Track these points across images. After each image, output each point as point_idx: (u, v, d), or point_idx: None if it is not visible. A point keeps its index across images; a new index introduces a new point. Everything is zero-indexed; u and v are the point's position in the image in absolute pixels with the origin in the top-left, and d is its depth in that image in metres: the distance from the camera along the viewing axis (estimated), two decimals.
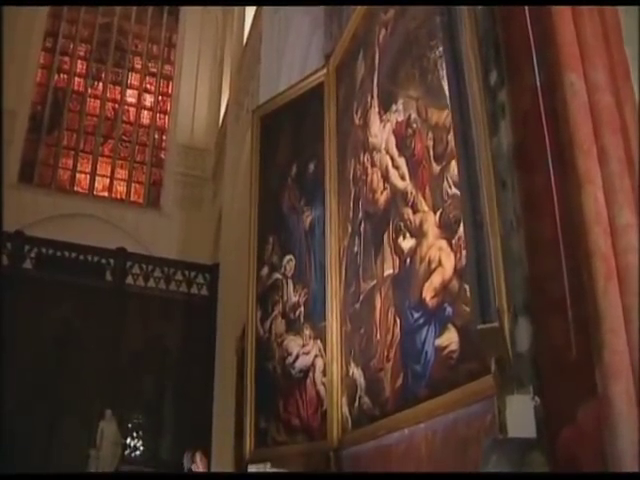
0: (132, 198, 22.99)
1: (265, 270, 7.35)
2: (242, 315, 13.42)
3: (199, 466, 6.53)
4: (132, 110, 24.46)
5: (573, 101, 3.51)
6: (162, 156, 23.76)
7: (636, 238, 3.22)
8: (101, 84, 24.40)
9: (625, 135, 3.46)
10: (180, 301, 17.62)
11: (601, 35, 3.65)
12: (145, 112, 24.52)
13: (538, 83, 3.96)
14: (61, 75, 23.99)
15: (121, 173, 23.38)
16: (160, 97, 24.81)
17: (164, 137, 24.10)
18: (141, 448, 16.10)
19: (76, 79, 24.13)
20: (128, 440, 15.72)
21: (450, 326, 4.19)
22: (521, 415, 3.51)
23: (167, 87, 25.01)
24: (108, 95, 24.32)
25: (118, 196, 22.94)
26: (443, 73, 4.76)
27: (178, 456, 15.84)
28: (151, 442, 16.38)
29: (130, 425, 15.91)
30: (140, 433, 16.21)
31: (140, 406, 16.51)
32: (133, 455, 15.82)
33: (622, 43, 3.68)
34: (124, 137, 23.93)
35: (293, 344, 6.70)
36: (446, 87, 4.68)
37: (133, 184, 23.24)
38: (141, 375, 16.52)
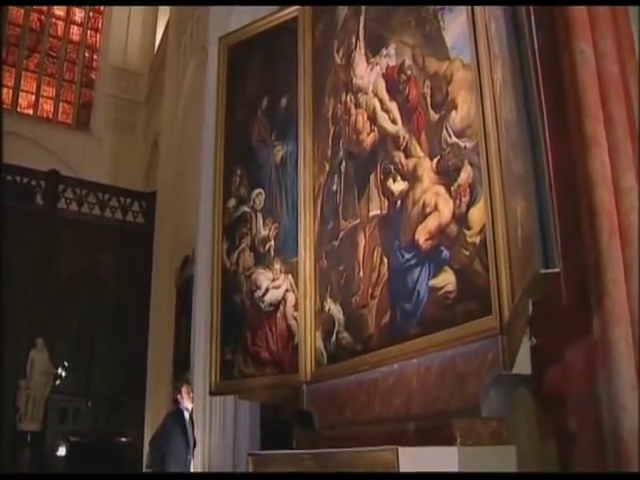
0: (60, 118, 22.48)
1: (232, 202, 7.44)
2: (182, 245, 13.64)
3: (184, 397, 6.81)
4: (60, 24, 23.66)
5: (582, 68, 3.85)
6: (93, 76, 23.24)
7: (637, 200, 3.63)
8: None
9: (629, 105, 3.84)
10: (115, 228, 17.52)
11: (609, 9, 3.99)
12: (75, 27, 23.76)
13: (536, 45, 4.25)
14: None
15: (48, 91, 22.76)
16: (91, 13, 24.06)
17: (95, 56, 23.52)
18: (73, 378, 16.17)
19: None
20: (59, 370, 15.73)
21: (447, 268, 4.56)
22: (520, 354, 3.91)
23: None
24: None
25: (44, 115, 22.39)
26: (444, 25, 5.03)
27: (111, 387, 16.12)
28: (83, 372, 16.47)
29: (62, 355, 15.89)
30: (72, 363, 16.25)
31: (73, 336, 16.51)
32: (64, 385, 15.86)
33: (629, 19, 4.02)
34: (51, 52, 23.20)
35: (262, 278, 6.91)
36: (447, 39, 4.97)
37: (61, 103, 22.70)
38: (74, 304, 16.50)
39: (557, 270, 2.67)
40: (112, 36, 23.11)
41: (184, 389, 6.91)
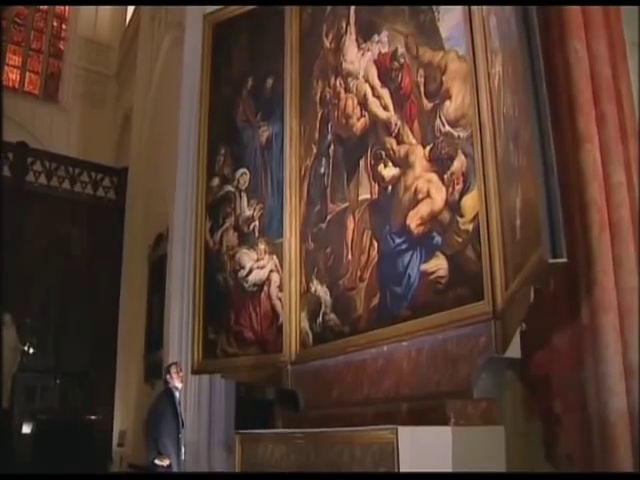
0: (27, 88, 22.16)
1: (216, 181, 7.55)
2: (155, 222, 13.65)
3: (173, 377, 6.92)
4: None
5: (576, 67, 4.07)
6: (61, 47, 22.91)
7: (627, 196, 3.87)
8: None
9: (620, 105, 4.07)
10: (85, 203, 17.33)
11: (601, 12, 4.20)
12: None
13: None
14: None
15: (13, 59, 22.40)
16: None
17: (64, 26, 23.15)
18: (41, 355, 16.09)
19: None
20: (27, 347, 15.62)
21: (439, 254, 4.76)
22: None
23: None
24: None
25: (10, 84, 22.04)
26: (439, 15, 5.19)
27: (80, 365, 16.10)
28: (52, 349, 16.38)
29: (30, 331, 15.80)
30: (41, 340, 16.15)
31: (41, 312, 16.40)
32: (32, 362, 15.79)
33: (621, 23, 4.23)
34: (17, 19, 22.81)
35: (246, 257, 7.05)
36: (442, 29, 5.13)
37: (28, 73, 22.39)
38: (43, 280, 16.38)
39: (564, 260, 2.87)
40: (82, 6, 22.77)
41: (173, 369, 7.03)
